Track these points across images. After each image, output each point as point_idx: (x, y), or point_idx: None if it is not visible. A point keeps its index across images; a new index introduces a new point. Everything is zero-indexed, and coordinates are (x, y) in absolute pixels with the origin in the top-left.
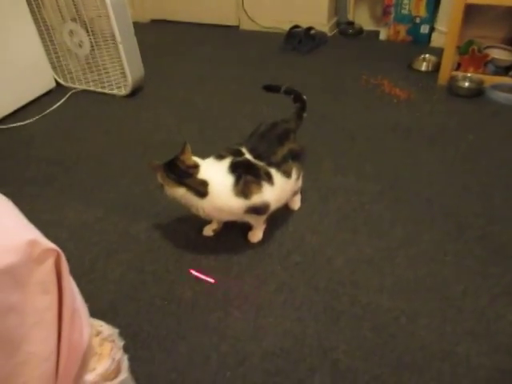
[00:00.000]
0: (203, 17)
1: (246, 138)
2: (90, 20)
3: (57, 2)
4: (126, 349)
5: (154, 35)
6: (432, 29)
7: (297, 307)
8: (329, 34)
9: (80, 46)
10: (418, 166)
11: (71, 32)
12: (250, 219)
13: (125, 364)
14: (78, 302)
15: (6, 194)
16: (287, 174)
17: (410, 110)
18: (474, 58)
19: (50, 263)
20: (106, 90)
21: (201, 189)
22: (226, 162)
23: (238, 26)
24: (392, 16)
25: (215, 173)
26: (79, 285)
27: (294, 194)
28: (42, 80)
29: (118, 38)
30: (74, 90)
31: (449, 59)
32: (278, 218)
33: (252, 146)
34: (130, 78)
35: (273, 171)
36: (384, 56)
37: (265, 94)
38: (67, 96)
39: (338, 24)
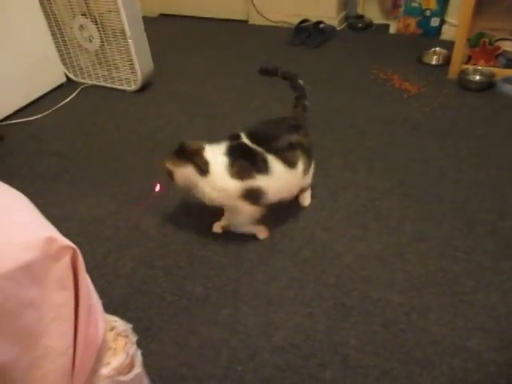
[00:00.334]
0: (212, 11)
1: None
2: (100, 15)
3: None
4: (137, 343)
5: (163, 30)
6: (442, 21)
7: (307, 303)
8: (338, 28)
9: (90, 40)
10: (428, 162)
11: (81, 27)
12: (242, 210)
13: (138, 359)
14: (94, 298)
15: (18, 189)
16: (290, 164)
17: (420, 105)
18: (484, 50)
19: (66, 260)
20: (116, 86)
21: (204, 167)
22: (224, 145)
23: (246, 21)
24: (402, 9)
25: (214, 155)
26: (91, 279)
27: (303, 189)
28: (52, 75)
29: (128, 33)
30: (84, 85)
31: (459, 52)
32: (289, 214)
33: (251, 131)
34: (139, 74)
35: (271, 158)
36: (394, 50)
37: (273, 89)
38: (77, 91)
39: (347, 18)
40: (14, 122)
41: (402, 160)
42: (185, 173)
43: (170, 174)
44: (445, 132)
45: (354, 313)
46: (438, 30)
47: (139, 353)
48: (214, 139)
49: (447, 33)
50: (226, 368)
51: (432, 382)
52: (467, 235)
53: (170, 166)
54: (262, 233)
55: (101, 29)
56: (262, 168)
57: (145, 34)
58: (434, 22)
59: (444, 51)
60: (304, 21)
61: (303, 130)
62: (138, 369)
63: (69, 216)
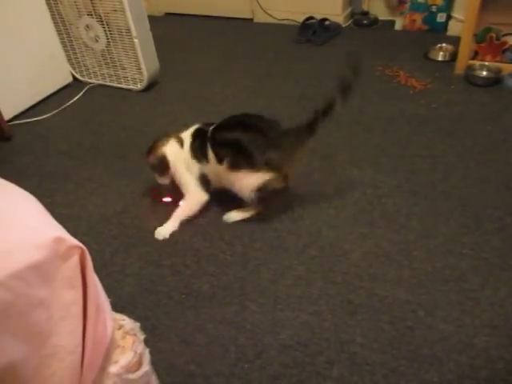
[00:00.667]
0: (217, 10)
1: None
2: (105, 14)
3: None
4: (145, 341)
5: (169, 29)
6: (448, 17)
7: (314, 301)
8: (343, 25)
9: (96, 40)
10: (435, 158)
11: (87, 27)
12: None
13: (146, 357)
14: (102, 297)
15: (26, 188)
16: (217, 159)
17: (427, 101)
18: (491, 45)
19: (75, 259)
20: (122, 85)
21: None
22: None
23: (251, 19)
24: (408, 5)
25: (186, 135)
26: (99, 278)
27: (242, 191)
28: (59, 75)
29: (134, 33)
30: (90, 85)
31: (466, 48)
32: (295, 212)
33: (225, 120)
34: (145, 73)
35: (209, 148)
36: (400, 46)
37: (279, 88)
38: (84, 91)
39: (352, 14)
40: (21, 121)
41: (409, 157)
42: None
43: (155, 166)
44: (451, 128)
45: (360, 310)
46: (445, 25)
47: (147, 351)
48: None
49: (453, 28)
50: (234, 365)
51: (439, 379)
52: (474, 232)
53: (152, 158)
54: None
55: (107, 28)
56: (205, 155)
57: (150, 34)
58: (441, 17)
59: (450, 47)
60: (309, 18)
61: (277, 142)
62: (146, 367)
63: (77, 215)
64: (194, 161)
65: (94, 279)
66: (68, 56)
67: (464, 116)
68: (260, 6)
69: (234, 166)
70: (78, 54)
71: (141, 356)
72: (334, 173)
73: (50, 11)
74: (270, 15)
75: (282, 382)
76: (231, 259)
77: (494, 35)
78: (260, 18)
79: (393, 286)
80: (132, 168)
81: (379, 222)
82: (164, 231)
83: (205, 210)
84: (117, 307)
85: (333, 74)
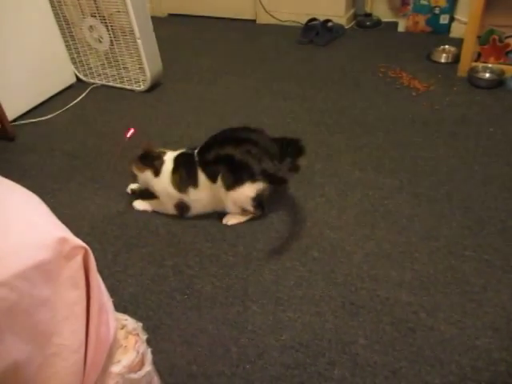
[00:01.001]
0: (220, 11)
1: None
2: (109, 15)
3: None
4: (147, 341)
5: (172, 29)
6: (451, 19)
7: (316, 302)
8: (346, 27)
9: (100, 41)
10: (438, 160)
11: (91, 27)
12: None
13: (148, 357)
14: (105, 297)
15: (29, 188)
16: (210, 177)
17: (429, 103)
18: (494, 47)
19: (78, 260)
20: (125, 85)
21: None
22: (177, 152)
23: (254, 20)
24: (411, 7)
25: (168, 160)
26: (101, 278)
27: (234, 206)
28: (62, 75)
29: (137, 34)
30: (93, 85)
31: (469, 50)
32: (297, 213)
33: (210, 139)
34: (148, 74)
35: (199, 170)
36: (402, 47)
37: (281, 89)
38: (87, 91)
39: (355, 16)
40: (24, 122)
41: (411, 158)
42: (145, 175)
43: (134, 175)
44: (454, 130)
45: (362, 312)
46: (448, 27)
47: (149, 351)
48: None
49: (456, 30)
50: (235, 366)
51: (441, 380)
52: (477, 234)
53: (135, 170)
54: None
55: (110, 29)
56: (194, 180)
57: (154, 35)
58: (444, 19)
59: (453, 49)
60: (312, 19)
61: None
62: (149, 367)
63: (79, 215)
64: (173, 190)
65: (97, 279)
66: (71, 57)
67: (467, 118)
68: (263, 7)
69: (234, 183)
70: (82, 55)
71: (143, 356)
72: (336, 174)
73: (54, 12)
74: (273, 16)
75: (283, 382)
76: (233, 260)
77: (497, 37)
78: (263, 19)
79: (395, 288)
80: None
81: (381, 223)
82: (138, 205)
83: (207, 212)
84: (119, 307)
85: (335, 76)
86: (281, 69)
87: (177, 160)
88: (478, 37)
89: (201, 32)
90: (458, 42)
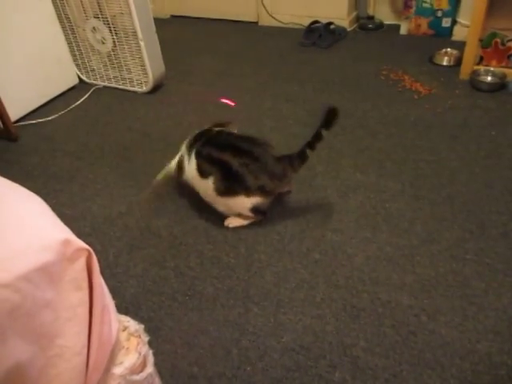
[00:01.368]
0: (222, 13)
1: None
2: (112, 17)
3: (80, 0)
4: (148, 342)
5: (174, 31)
6: (454, 22)
7: (317, 304)
8: (349, 29)
9: (102, 42)
10: (439, 163)
11: (94, 29)
12: None
13: (150, 358)
14: (107, 299)
15: (32, 189)
16: (200, 172)
17: (431, 106)
18: (496, 50)
19: (81, 261)
20: (128, 87)
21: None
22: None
23: (257, 22)
24: (413, 9)
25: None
26: (103, 279)
27: (229, 211)
28: (65, 77)
29: (140, 35)
30: (96, 87)
31: (471, 53)
32: (298, 215)
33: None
34: (150, 75)
35: (192, 156)
36: (405, 50)
37: (284, 91)
38: (90, 92)
39: (357, 18)
40: (27, 123)
41: (413, 161)
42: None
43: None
44: (456, 133)
45: (363, 314)
46: (450, 30)
47: (151, 352)
48: None
49: (459, 33)
50: (236, 368)
51: None
52: (478, 237)
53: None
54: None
55: (113, 31)
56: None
57: (156, 36)
58: (446, 22)
59: (455, 52)
60: (315, 22)
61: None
62: (150, 368)
63: (81, 216)
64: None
65: (100, 281)
66: (74, 58)
67: (469, 121)
68: (265, 9)
69: (226, 192)
70: (85, 56)
71: (145, 357)
72: (337, 177)
73: (57, 13)
74: (276, 19)
75: None
76: (235, 262)
77: (499, 40)
78: (265, 21)
79: (396, 291)
80: (137, 169)
81: (383, 226)
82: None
83: (208, 212)
84: (121, 308)
85: (338, 78)
86: (283, 71)
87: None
88: (480, 40)
89: (203, 34)
90: (460, 45)
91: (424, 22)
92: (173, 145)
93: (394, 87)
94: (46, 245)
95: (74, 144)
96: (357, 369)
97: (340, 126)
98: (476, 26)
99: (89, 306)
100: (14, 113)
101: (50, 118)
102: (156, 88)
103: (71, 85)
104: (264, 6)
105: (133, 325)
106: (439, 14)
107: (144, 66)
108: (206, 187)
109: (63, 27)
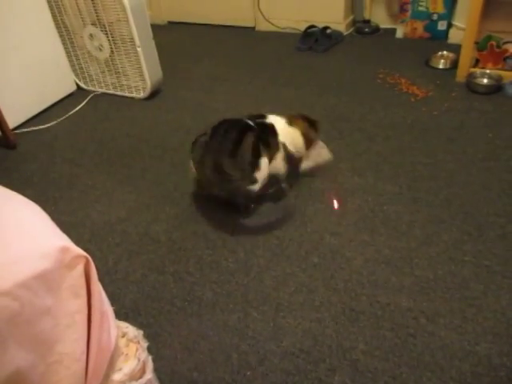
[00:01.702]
0: (219, 18)
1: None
2: (109, 24)
3: (78, 7)
4: (148, 348)
5: (172, 37)
6: (450, 25)
7: (316, 308)
8: (345, 33)
9: (100, 49)
10: (437, 166)
11: (91, 36)
12: None
13: (150, 364)
14: (106, 305)
15: (31, 196)
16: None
17: (428, 109)
18: (492, 53)
19: (80, 269)
20: (126, 93)
21: None
22: None
23: (253, 27)
24: (409, 13)
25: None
26: (102, 286)
27: None
28: (63, 83)
29: (137, 42)
30: (94, 93)
31: (467, 55)
32: (297, 219)
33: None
34: (148, 81)
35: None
36: (401, 54)
37: (281, 95)
38: (88, 99)
39: (354, 22)
40: (26, 130)
41: (411, 164)
42: None
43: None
44: (453, 135)
45: (362, 317)
46: (446, 33)
47: (150, 358)
48: None
49: (454, 36)
50: (236, 373)
51: None
52: (476, 239)
53: None
54: None
55: (110, 38)
56: None
57: (153, 43)
58: (442, 25)
59: (451, 55)
60: (311, 26)
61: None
62: (150, 374)
63: (80, 223)
64: None
65: (98, 288)
66: (72, 65)
67: (465, 123)
68: (262, 14)
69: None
70: (82, 63)
71: (144, 363)
72: (335, 180)
73: (55, 21)
74: (272, 23)
75: None
76: (234, 266)
77: (494, 43)
78: (262, 26)
79: (394, 294)
80: (135, 175)
81: (381, 229)
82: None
83: (207, 217)
84: (120, 314)
85: (335, 82)
86: (280, 75)
87: None
88: (476, 43)
89: (200, 39)
90: (456, 48)
91: (420, 26)
92: (170, 150)
93: (390, 90)
94: (44, 252)
95: (73, 151)
96: (356, 372)
97: (337, 130)
98: (471, 29)
99: (87, 313)
100: (13, 120)
101: (48, 125)
102: (154, 94)
103: (69, 91)
104: (261, 11)
105: (132, 331)
106: (435, 17)
107: (142, 72)
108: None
109: (61, 34)
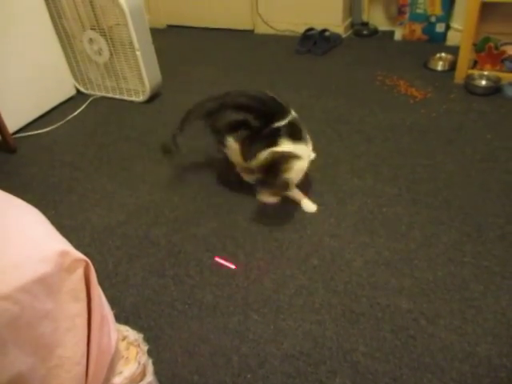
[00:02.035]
0: (218, 22)
1: None
2: (108, 28)
3: (77, 11)
4: (148, 351)
5: (171, 41)
6: (448, 27)
7: (316, 310)
8: (343, 36)
9: (99, 53)
10: (436, 167)
11: (91, 40)
12: None
13: (150, 367)
14: (106, 309)
15: (31, 200)
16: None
17: (427, 110)
18: (490, 55)
19: (79, 272)
20: (125, 97)
21: None
22: None
23: (252, 30)
24: (407, 15)
25: None
26: (102, 289)
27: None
28: (62, 87)
29: (136, 46)
30: (93, 97)
31: (465, 57)
32: (296, 221)
33: None
34: (147, 85)
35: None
36: (399, 56)
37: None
38: (87, 103)
39: (352, 25)
40: (26, 134)
41: (410, 166)
42: None
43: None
44: (452, 137)
45: (362, 319)
46: (444, 35)
47: (151, 361)
48: None
49: (453, 38)
50: (237, 375)
51: None
52: (476, 240)
53: None
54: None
55: (110, 42)
56: None
57: (153, 46)
58: (440, 27)
59: (450, 57)
60: (310, 29)
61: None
62: (150, 377)
63: (80, 226)
64: None
65: (98, 291)
66: (72, 69)
67: (464, 125)
68: (261, 17)
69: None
70: (82, 67)
71: (144, 367)
72: (334, 182)
73: (54, 25)
74: (271, 26)
75: None
76: (234, 269)
77: (492, 45)
78: (261, 29)
79: (394, 295)
80: (135, 178)
81: (380, 230)
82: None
83: (207, 220)
84: (120, 317)
85: (333, 84)
86: (279, 78)
87: None
88: (474, 44)
89: (199, 43)
90: (455, 50)
91: (418, 28)
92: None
93: (389, 92)
94: (43, 256)
95: (73, 154)
96: (357, 374)
97: (336, 132)
98: (469, 31)
99: (87, 317)
100: (13, 124)
101: (48, 129)
102: (153, 97)
103: (69, 96)
104: (259, 15)
105: (132, 334)
106: (433, 19)
107: (141, 76)
108: None
109: (60, 39)
